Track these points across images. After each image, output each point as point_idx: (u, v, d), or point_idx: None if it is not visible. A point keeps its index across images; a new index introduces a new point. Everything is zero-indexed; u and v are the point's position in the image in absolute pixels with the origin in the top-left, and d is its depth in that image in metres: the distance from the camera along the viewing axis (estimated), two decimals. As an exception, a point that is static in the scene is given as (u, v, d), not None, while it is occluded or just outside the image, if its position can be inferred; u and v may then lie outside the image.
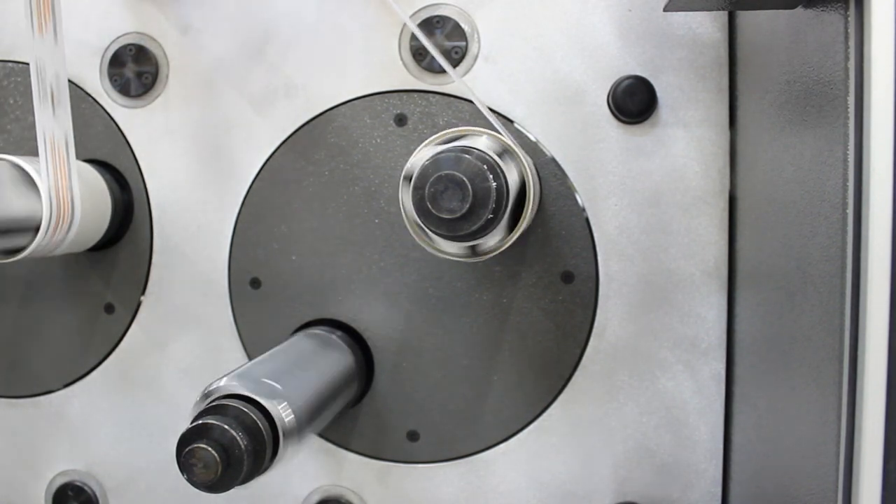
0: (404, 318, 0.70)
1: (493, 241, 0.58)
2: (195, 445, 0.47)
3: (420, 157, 0.56)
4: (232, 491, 0.51)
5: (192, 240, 0.74)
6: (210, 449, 0.47)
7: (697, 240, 0.66)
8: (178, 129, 0.73)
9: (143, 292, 0.75)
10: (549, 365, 0.69)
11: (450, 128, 0.58)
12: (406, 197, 0.55)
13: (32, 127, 0.61)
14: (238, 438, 0.48)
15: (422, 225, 0.55)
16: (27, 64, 0.61)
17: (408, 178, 0.55)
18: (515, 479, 0.70)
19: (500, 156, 0.56)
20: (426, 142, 0.57)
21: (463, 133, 0.57)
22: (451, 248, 0.59)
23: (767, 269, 0.57)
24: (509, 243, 0.58)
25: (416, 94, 0.69)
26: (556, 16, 0.67)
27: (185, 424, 0.52)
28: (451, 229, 0.54)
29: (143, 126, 0.74)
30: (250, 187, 0.72)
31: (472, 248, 0.58)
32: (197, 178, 0.73)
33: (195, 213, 0.73)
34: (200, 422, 0.48)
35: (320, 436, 0.72)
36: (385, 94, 0.70)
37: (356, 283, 0.71)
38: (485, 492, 0.71)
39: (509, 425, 0.70)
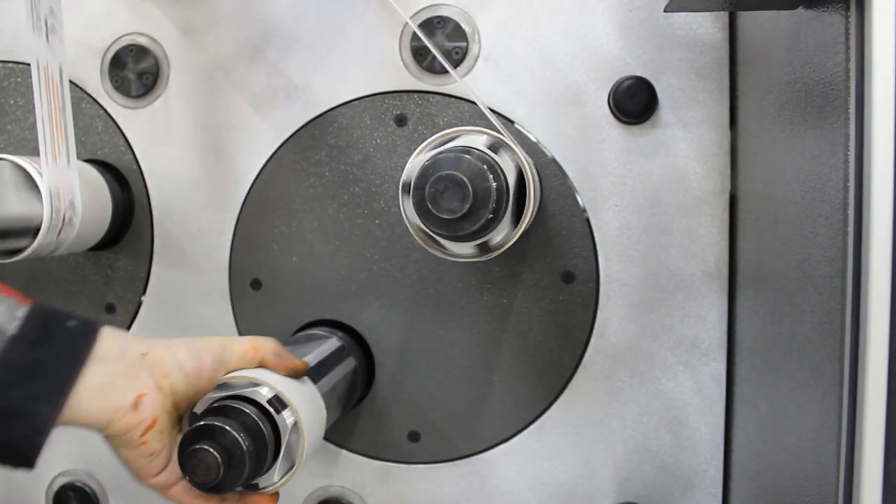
0: (405, 318, 0.70)
1: (498, 237, 0.58)
2: (197, 447, 0.47)
3: (415, 163, 0.56)
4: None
5: (192, 240, 0.74)
6: (211, 450, 0.47)
7: (698, 240, 0.66)
8: (178, 130, 0.73)
9: (143, 292, 0.75)
10: (550, 365, 0.69)
11: (450, 128, 0.58)
12: (408, 205, 0.55)
13: (32, 127, 0.60)
14: (240, 440, 0.48)
15: (426, 229, 0.55)
16: (27, 64, 0.61)
17: (406, 186, 0.55)
18: (516, 479, 0.70)
19: (495, 152, 0.56)
20: (420, 148, 0.57)
21: (457, 133, 0.57)
22: (461, 250, 0.58)
23: (768, 270, 0.57)
24: (514, 238, 0.58)
25: (416, 95, 0.69)
26: (556, 16, 0.67)
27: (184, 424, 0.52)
28: (451, 229, 0.54)
29: (143, 126, 0.74)
30: (251, 188, 0.72)
31: (481, 246, 0.58)
32: (197, 179, 0.73)
33: (196, 214, 0.73)
34: (203, 423, 0.48)
35: (321, 436, 0.72)
36: (385, 95, 0.70)
37: (357, 284, 0.71)
38: (485, 492, 0.71)
39: (510, 426, 0.70)
